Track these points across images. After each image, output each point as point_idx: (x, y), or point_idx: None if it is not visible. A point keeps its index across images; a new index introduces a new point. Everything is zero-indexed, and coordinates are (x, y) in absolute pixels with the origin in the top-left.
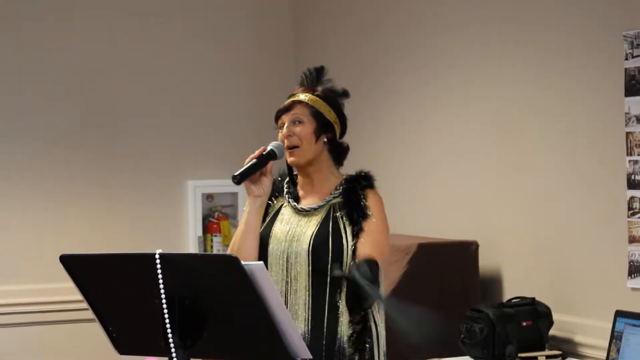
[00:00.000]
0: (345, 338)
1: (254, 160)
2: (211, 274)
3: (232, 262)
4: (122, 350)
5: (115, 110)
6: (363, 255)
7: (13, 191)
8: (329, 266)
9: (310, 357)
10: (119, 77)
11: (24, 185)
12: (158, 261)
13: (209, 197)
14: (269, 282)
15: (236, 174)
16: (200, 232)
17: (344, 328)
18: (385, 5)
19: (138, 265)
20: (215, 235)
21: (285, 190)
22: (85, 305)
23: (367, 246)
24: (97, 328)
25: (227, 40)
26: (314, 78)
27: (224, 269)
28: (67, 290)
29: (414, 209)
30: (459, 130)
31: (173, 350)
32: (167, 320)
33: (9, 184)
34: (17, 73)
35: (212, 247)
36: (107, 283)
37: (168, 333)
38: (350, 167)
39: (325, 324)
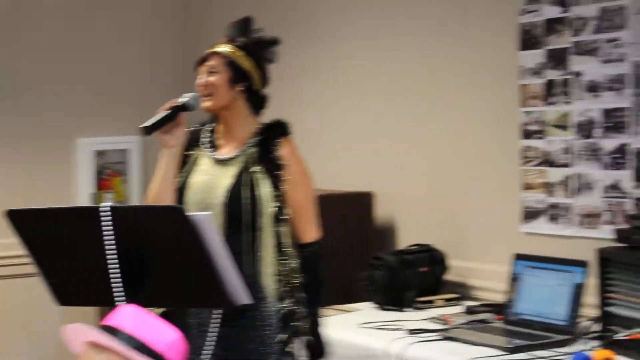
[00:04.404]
0: (270, 290)
1: (166, 112)
2: (156, 225)
3: (177, 213)
4: (63, 302)
5: (4, 68)
6: (301, 237)
7: None
8: (243, 217)
9: (252, 301)
10: (7, 33)
11: None
12: (105, 213)
13: (100, 154)
14: (212, 231)
15: (144, 125)
16: (92, 189)
17: (268, 280)
18: None
19: (84, 217)
20: (108, 192)
21: (203, 139)
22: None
23: (303, 220)
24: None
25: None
26: (240, 29)
27: (169, 219)
28: None
29: (312, 160)
30: (356, 82)
31: (121, 299)
32: (114, 271)
33: None
34: None
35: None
36: (52, 236)
37: (114, 284)
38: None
39: (245, 274)
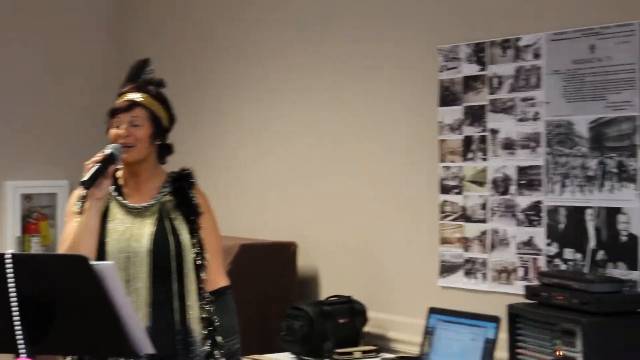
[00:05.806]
0: (197, 333)
1: (99, 164)
2: (60, 273)
3: (81, 262)
4: None
5: None
6: (216, 282)
7: None
8: (171, 264)
9: (154, 352)
10: None
11: None
12: (9, 261)
13: (27, 197)
14: (116, 281)
15: (85, 179)
16: (18, 233)
17: (195, 325)
18: (217, 5)
19: None
20: (34, 236)
21: (112, 188)
22: None
23: (215, 266)
24: None
25: (48, 37)
26: (139, 69)
27: (72, 268)
28: None
29: (235, 210)
30: (279, 133)
31: (22, 347)
32: (16, 319)
33: None
34: None
35: (30, 247)
36: None
37: (17, 331)
38: (169, 164)
39: (174, 319)
